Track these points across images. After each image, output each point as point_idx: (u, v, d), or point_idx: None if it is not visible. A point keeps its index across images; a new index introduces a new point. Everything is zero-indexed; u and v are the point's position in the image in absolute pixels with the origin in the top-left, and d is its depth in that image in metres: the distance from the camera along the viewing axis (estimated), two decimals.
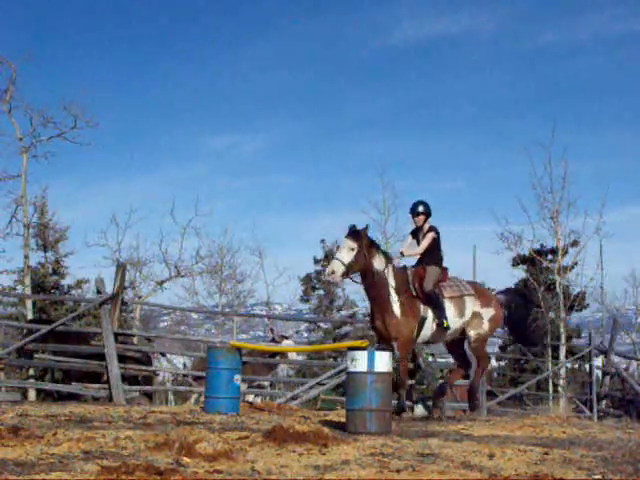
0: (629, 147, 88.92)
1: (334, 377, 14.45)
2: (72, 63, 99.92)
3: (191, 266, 31.03)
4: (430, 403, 15.95)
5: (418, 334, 9.77)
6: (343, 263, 9.29)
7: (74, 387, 13.99)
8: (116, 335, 13.27)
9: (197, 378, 15.44)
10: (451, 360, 23.51)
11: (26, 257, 25.11)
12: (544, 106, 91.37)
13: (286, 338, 17.39)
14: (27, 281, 24.90)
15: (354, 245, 9.36)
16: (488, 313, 10.23)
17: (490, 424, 8.79)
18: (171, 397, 32.88)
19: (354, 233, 9.48)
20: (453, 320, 9.95)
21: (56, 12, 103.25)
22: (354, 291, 36.31)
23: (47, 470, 4.47)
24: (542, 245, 31.12)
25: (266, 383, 16.86)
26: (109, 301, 13.20)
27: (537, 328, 11.67)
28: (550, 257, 31.32)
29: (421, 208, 10.14)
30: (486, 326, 10.24)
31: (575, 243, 29.42)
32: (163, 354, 16.06)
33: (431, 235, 10.04)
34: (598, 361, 19.25)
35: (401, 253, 10.10)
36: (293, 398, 14.08)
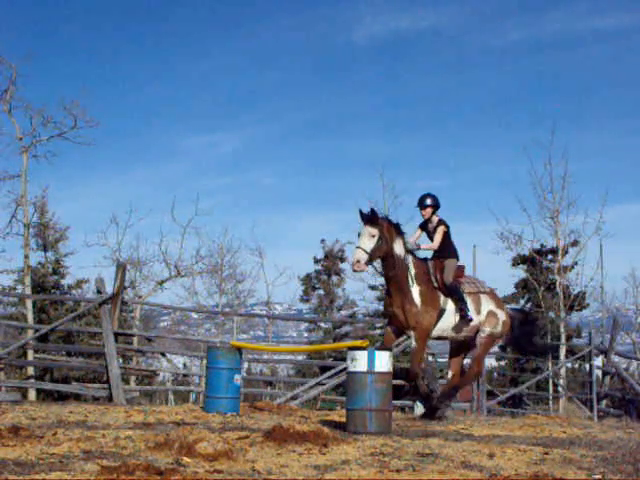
0: (629, 147, 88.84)
1: (334, 377, 14.45)
2: (72, 63, 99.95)
3: (191, 266, 31.05)
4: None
5: (435, 325, 9.62)
6: (366, 251, 9.11)
7: (74, 387, 13.99)
8: (116, 335, 13.27)
9: None
10: None
11: (26, 257, 25.12)
12: (543, 104, 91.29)
13: None
14: (27, 281, 24.90)
15: (374, 231, 9.20)
16: (502, 315, 10.15)
17: (490, 424, 8.79)
18: (171, 397, 32.90)
19: (373, 219, 9.27)
20: (472, 316, 9.85)
21: (56, 12, 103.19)
22: (354, 291, 36.38)
23: (47, 470, 4.47)
24: (542, 245, 31.10)
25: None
26: (109, 301, 13.20)
27: (539, 347, 11.31)
28: (550, 257, 31.30)
29: (429, 201, 9.99)
30: (500, 327, 10.10)
31: (575, 243, 29.40)
32: (163, 354, 16.04)
33: (442, 229, 9.93)
34: (598, 361, 19.26)
35: (417, 246, 9.89)
36: (293, 398, 14.08)
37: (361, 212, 9.27)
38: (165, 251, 30.21)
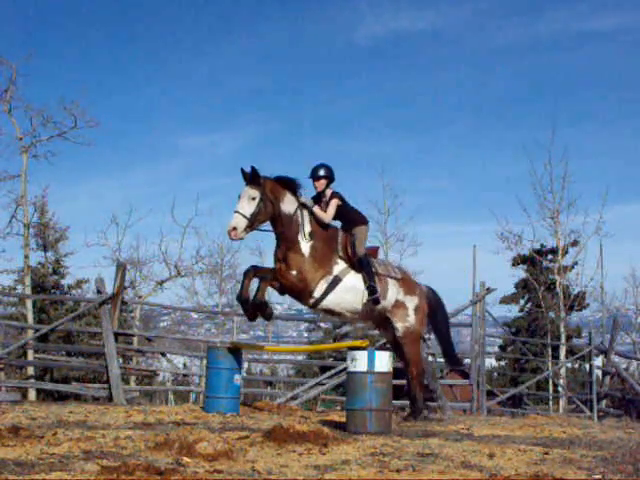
0: (629, 147, 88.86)
1: (334, 377, 14.46)
2: (72, 63, 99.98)
3: (191, 266, 31.05)
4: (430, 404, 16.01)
5: (325, 296, 8.54)
6: (245, 216, 8.13)
7: (74, 387, 13.99)
8: (116, 335, 13.27)
9: None
10: None
11: (26, 257, 25.12)
12: (543, 104, 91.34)
13: None
14: (27, 281, 24.91)
15: (255, 193, 8.22)
16: (412, 301, 9.19)
17: (490, 424, 8.79)
18: (171, 397, 32.91)
19: (254, 178, 8.27)
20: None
21: (56, 12, 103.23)
22: None
23: (47, 470, 4.47)
24: (542, 245, 31.12)
25: None
26: (109, 301, 13.21)
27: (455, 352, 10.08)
28: (550, 257, 31.32)
29: (322, 172, 9.03)
30: (412, 318, 9.15)
31: (575, 243, 29.40)
32: (163, 354, 16.04)
33: (335, 202, 8.92)
34: (598, 361, 19.26)
35: (312, 203, 8.87)
36: (293, 398, 14.08)
37: (242, 171, 8.30)
38: (165, 251, 30.24)
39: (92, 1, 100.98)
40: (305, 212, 8.66)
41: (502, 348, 32.80)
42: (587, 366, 19.56)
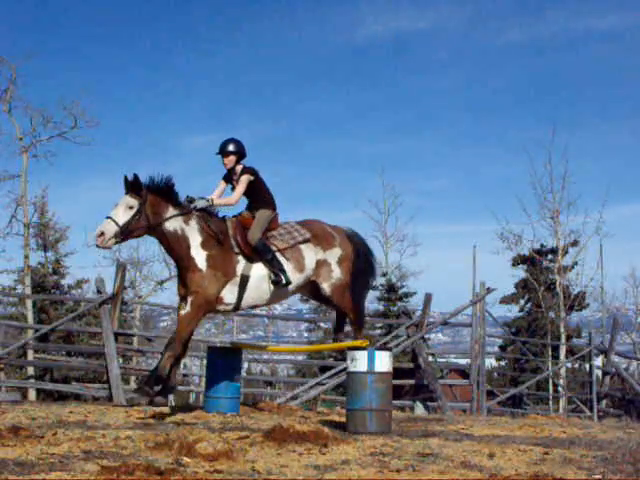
0: (629, 147, 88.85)
1: (334, 377, 14.46)
2: (72, 63, 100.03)
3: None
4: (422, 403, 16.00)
5: (241, 297, 8.14)
6: (117, 223, 7.56)
7: (74, 387, 13.99)
8: (116, 335, 13.28)
9: None
10: (452, 360, 23.57)
11: (26, 257, 25.13)
12: (543, 104, 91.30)
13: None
14: (27, 281, 24.92)
15: (133, 202, 7.67)
16: (334, 255, 8.59)
17: (490, 424, 8.79)
18: (171, 397, 32.89)
19: (134, 187, 7.71)
20: (291, 276, 8.33)
21: (56, 12, 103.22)
22: None
23: (47, 470, 4.47)
24: (542, 245, 31.14)
25: None
26: (109, 301, 13.21)
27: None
28: (550, 257, 31.33)
29: (231, 147, 8.47)
30: (338, 271, 8.57)
31: (575, 243, 29.43)
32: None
33: (245, 178, 8.38)
34: (598, 361, 19.27)
35: (211, 200, 8.27)
36: (293, 398, 14.08)
37: (125, 178, 7.78)
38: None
39: (92, 1, 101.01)
40: (192, 222, 8.03)
41: (502, 348, 32.80)
42: (587, 366, 19.56)
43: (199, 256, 7.92)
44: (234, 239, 8.18)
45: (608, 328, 19.92)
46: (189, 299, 7.82)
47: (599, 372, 19.00)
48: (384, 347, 8.05)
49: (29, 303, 24.60)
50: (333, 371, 14.59)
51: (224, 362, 8.96)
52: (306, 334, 39.48)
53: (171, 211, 7.95)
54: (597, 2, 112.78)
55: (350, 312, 8.79)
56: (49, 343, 22.26)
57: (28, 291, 24.80)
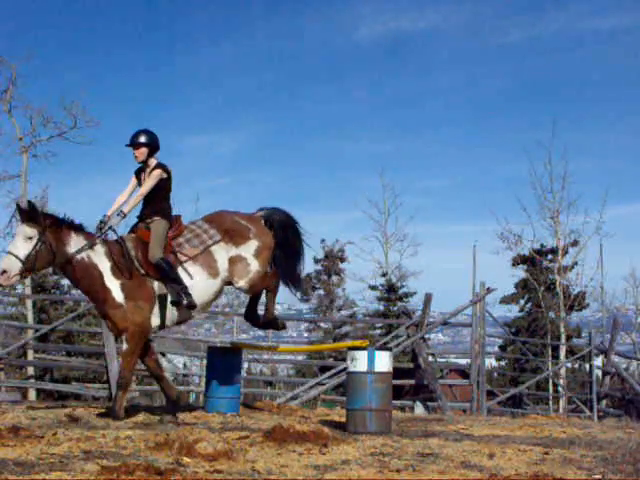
0: (629, 147, 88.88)
1: (334, 377, 14.46)
2: (72, 63, 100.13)
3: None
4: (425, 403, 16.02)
5: (163, 317, 7.65)
6: (18, 258, 7.01)
7: (74, 387, 14.00)
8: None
9: None
10: (452, 360, 23.57)
11: None
12: (543, 104, 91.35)
13: None
14: (27, 281, 24.91)
15: (32, 232, 7.10)
16: (249, 249, 8.00)
17: (490, 424, 8.79)
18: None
19: (31, 214, 7.18)
20: (206, 285, 7.77)
21: (56, 12, 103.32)
22: (354, 291, 36.45)
23: (47, 470, 4.47)
24: (542, 245, 31.16)
25: None
26: None
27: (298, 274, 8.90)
28: (550, 257, 31.35)
29: (143, 138, 7.84)
30: (255, 264, 8.01)
31: (575, 243, 29.47)
32: (163, 354, 16.06)
33: (158, 173, 7.76)
34: (598, 361, 19.28)
35: (122, 213, 7.65)
36: (293, 398, 14.09)
37: (18, 206, 7.45)
38: None
39: (92, 1, 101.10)
40: (97, 245, 7.45)
41: (502, 348, 32.82)
42: (587, 366, 19.58)
43: (114, 287, 7.40)
44: (137, 259, 7.53)
45: (608, 328, 19.95)
46: (123, 337, 7.45)
47: (599, 372, 19.02)
48: (384, 347, 8.06)
49: (29, 303, 24.61)
50: (333, 371, 14.60)
51: (224, 362, 8.97)
52: (306, 334, 39.48)
53: (74, 237, 7.37)
54: (597, 2, 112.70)
55: (268, 287, 8.27)
56: (49, 343, 22.29)
57: (28, 291, 24.80)
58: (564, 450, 6.05)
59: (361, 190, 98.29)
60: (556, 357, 27.14)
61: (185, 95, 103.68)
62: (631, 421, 13.21)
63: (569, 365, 28.16)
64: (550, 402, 24.82)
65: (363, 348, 7.40)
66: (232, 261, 7.94)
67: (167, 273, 7.49)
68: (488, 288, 15.47)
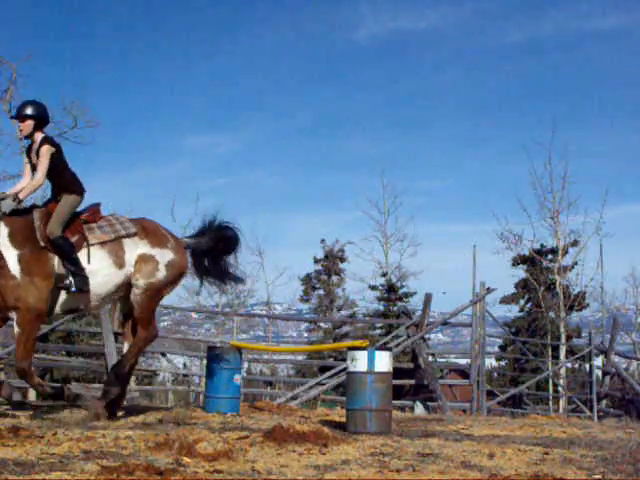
0: (629, 147, 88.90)
1: (334, 377, 14.46)
2: (72, 63, 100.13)
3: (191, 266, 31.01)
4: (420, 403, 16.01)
5: (55, 301, 7.15)
6: None
7: (74, 387, 13.99)
8: (116, 335, 13.27)
9: None
10: (452, 360, 23.57)
11: None
12: (543, 104, 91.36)
13: None
14: None
15: None
16: (164, 256, 7.55)
17: (490, 424, 8.79)
18: (171, 397, 32.91)
19: None
20: (109, 273, 7.30)
21: (56, 12, 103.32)
22: (354, 291, 36.48)
23: (47, 470, 4.47)
24: (542, 245, 31.17)
25: None
26: None
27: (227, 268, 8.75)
28: (550, 257, 31.35)
29: (29, 110, 7.40)
30: (162, 273, 7.51)
31: (575, 243, 29.47)
32: (163, 354, 16.06)
33: (46, 149, 7.23)
34: (598, 361, 19.29)
35: (17, 199, 7.13)
36: (293, 398, 14.09)
37: None
38: None
39: (92, 1, 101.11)
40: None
41: (502, 348, 32.82)
42: (587, 366, 19.59)
43: (11, 256, 6.90)
44: (41, 234, 7.02)
45: (608, 328, 19.96)
46: (15, 318, 6.95)
47: (599, 372, 19.03)
48: (384, 347, 8.06)
49: None
50: (333, 371, 14.60)
51: (224, 362, 8.97)
52: (306, 334, 39.49)
53: None
54: (597, 2, 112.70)
55: (144, 326, 7.56)
56: (49, 343, 22.28)
57: None
58: (564, 450, 6.05)
59: (361, 190, 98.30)
60: (556, 357, 27.13)
61: (185, 95, 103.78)
62: (631, 421, 13.21)
63: (569, 365, 28.15)
64: (550, 402, 24.83)
65: (363, 348, 7.40)
66: (142, 258, 7.45)
67: (64, 251, 7.03)
68: (488, 288, 15.48)
